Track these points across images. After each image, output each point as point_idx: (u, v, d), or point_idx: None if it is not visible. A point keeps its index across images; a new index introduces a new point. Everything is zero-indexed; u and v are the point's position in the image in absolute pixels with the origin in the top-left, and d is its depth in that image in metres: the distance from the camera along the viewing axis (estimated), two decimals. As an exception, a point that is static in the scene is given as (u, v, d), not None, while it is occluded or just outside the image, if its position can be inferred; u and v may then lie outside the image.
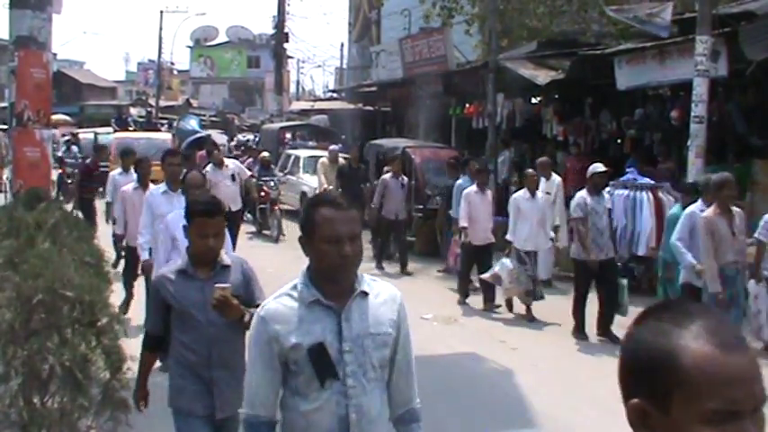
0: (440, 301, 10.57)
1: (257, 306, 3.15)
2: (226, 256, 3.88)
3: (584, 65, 13.71)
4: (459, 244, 10.77)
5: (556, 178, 11.72)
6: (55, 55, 30.42)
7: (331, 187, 14.56)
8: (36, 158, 7.13)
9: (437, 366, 6.85)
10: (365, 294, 2.71)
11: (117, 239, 9.44)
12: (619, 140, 15.53)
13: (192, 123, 23.47)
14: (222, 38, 58.68)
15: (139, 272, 8.11)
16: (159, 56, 45.94)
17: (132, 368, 4.11)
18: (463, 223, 10.27)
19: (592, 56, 13.56)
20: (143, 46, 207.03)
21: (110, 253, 7.61)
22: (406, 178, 13.19)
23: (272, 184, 16.21)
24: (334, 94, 34.75)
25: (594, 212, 8.81)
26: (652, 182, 11.23)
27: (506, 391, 6.93)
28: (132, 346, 4.33)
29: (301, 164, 19.02)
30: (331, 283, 2.65)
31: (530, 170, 10.81)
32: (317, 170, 16.02)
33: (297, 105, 37.06)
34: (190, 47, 58.68)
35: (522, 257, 9.73)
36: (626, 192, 10.90)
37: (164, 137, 21.45)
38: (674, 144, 12.98)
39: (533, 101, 17.69)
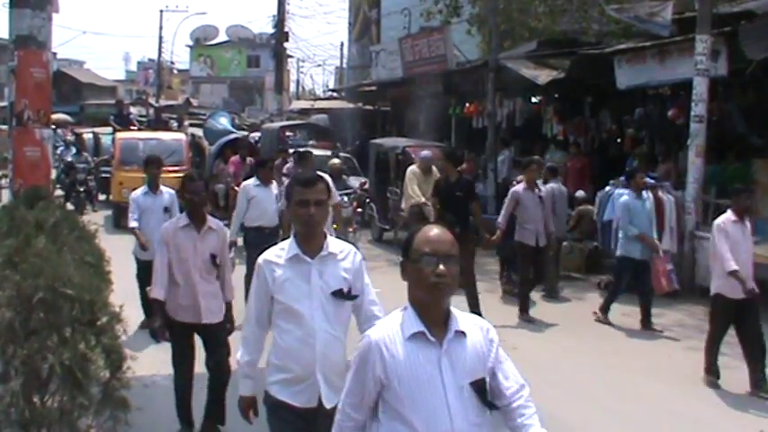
0: None
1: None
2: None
3: (584, 64, 13.71)
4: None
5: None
6: (55, 54, 30.29)
7: (422, 199, 11.96)
8: (36, 158, 7.12)
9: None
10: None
11: (151, 302, 5.88)
12: (619, 140, 15.54)
13: (224, 121, 18.51)
14: (222, 37, 58.69)
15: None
16: (159, 55, 46.01)
17: (132, 368, 4.11)
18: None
19: (592, 55, 13.56)
20: (143, 45, 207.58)
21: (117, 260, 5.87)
22: (543, 189, 10.18)
23: (345, 199, 12.59)
24: (334, 94, 34.76)
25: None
26: (652, 181, 11.24)
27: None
28: (132, 346, 4.33)
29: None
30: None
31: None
32: (405, 181, 12.82)
33: (297, 105, 37.03)
34: (190, 46, 58.65)
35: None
36: (626, 191, 10.90)
37: (176, 137, 18.13)
38: (674, 143, 12.99)
39: (533, 100, 17.70)
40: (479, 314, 6.88)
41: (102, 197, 20.09)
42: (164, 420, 5.83)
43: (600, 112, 15.78)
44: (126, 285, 6.43)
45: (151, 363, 6.07)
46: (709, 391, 6.97)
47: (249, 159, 14.93)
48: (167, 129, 19.72)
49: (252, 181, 9.37)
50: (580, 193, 12.86)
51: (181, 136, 18.17)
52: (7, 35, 7.21)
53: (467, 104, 19.16)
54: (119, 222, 15.22)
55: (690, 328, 9.25)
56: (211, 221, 5.74)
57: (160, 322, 5.55)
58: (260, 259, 3.71)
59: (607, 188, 11.36)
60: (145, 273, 7.29)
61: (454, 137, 20.24)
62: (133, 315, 7.79)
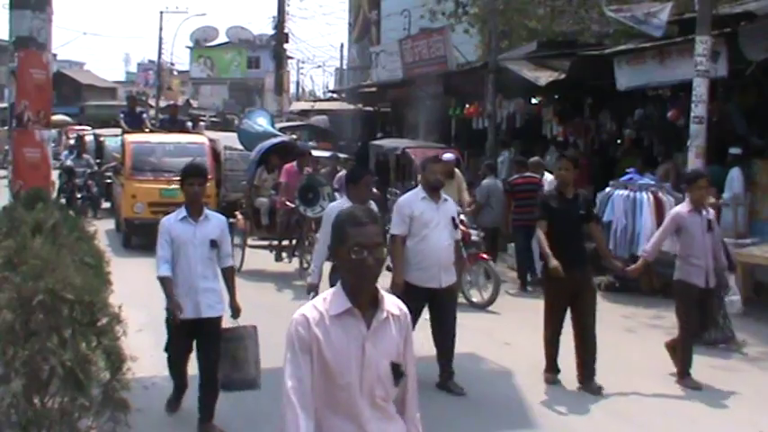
0: None
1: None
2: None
3: (584, 65, 13.71)
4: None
5: (548, 177, 11.75)
6: (55, 55, 30.32)
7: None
8: (36, 159, 7.12)
9: (437, 366, 6.85)
10: None
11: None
12: (619, 141, 15.54)
13: (262, 122, 14.88)
14: (222, 38, 58.70)
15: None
16: (159, 56, 46.00)
17: (132, 369, 4.12)
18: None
19: (592, 56, 13.56)
20: (143, 46, 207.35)
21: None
22: (712, 211, 7.48)
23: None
24: (334, 95, 34.77)
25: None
26: (652, 182, 11.25)
27: (506, 392, 6.93)
28: (132, 347, 4.33)
29: None
30: None
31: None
32: None
33: (297, 106, 37.07)
34: (190, 47, 58.66)
35: None
36: (626, 192, 10.91)
37: (197, 140, 15.69)
38: (674, 144, 12.99)
39: (533, 101, 17.70)
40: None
41: (106, 204, 18.37)
42: (164, 421, 5.83)
43: (600, 113, 15.78)
44: (125, 286, 6.41)
45: (151, 364, 6.07)
46: (710, 392, 6.96)
47: (307, 169, 12.35)
48: (184, 130, 17.09)
49: (340, 203, 6.83)
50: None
51: (202, 139, 15.81)
52: (7, 36, 7.21)
53: (467, 105, 19.18)
54: (129, 242, 14.04)
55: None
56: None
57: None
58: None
59: (607, 189, 11.35)
60: (182, 340, 5.71)
61: (454, 138, 20.25)
62: (133, 316, 7.79)
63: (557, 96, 16.77)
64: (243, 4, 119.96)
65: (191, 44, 58.61)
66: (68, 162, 18.05)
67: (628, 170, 11.70)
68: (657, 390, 6.96)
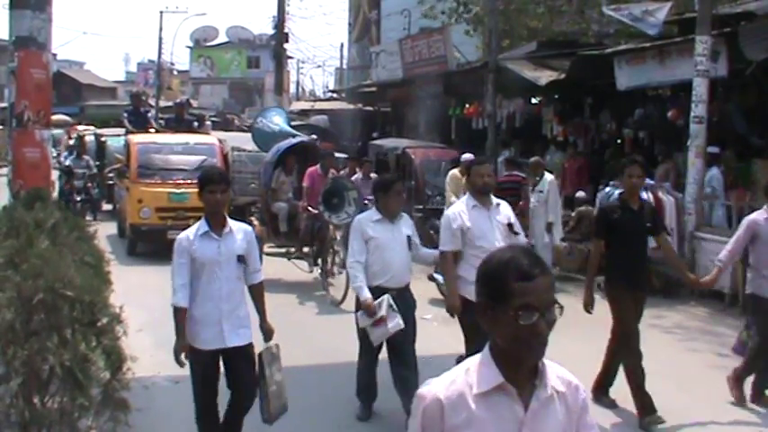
0: (440, 301, 10.54)
1: None
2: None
3: (584, 65, 13.72)
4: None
5: (548, 176, 11.76)
6: (55, 55, 30.30)
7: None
8: (36, 159, 7.12)
9: (437, 366, 6.82)
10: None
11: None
12: (619, 140, 15.55)
13: (278, 121, 13.86)
14: (222, 38, 58.76)
15: None
16: (159, 56, 45.94)
17: (132, 369, 4.12)
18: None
19: (592, 56, 13.58)
20: (143, 46, 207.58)
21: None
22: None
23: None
24: (334, 95, 34.80)
25: None
26: (652, 182, 11.25)
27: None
28: (132, 347, 4.34)
29: None
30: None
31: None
32: (448, 187, 11.60)
33: (297, 106, 37.05)
34: (190, 47, 58.70)
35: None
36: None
37: (207, 140, 14.78)
38: (674, 144, 13.00)
39: (533, 101, 17.71)
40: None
41: (107, 206, 17.91)
42: (164, 421, 5.83)
43: (600, 112, 15.79)
44: (126, 286, 6.41)
45: (151, 364, 6.07)
46: (711, 392, 6.96)
47: (333, 171, 11.42)
48: (191, 130, 15.93)
49: (370, 214, 6.08)
50: (580, 194, 12.87)
51: (212, 139, 14.85)
52: (7, 36, 7.21)
53: (467, 105, 19.19)
54: (134, 249, 13.38)
55: (691, 329, 9.24)
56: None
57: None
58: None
59: (607, 189, 11.35)
60: (208, 378, 4.86)
61: (454, 138, 20.26)
62: (133, 316, 7.80)
63: (557, 96, 16.78)
64: (243, 3, 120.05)
65: (191, 44, 58.65)
66: (68, 162, 17.22)
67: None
68: (659, 390, 6.95)
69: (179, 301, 4.72)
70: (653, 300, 10.25)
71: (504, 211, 6.18)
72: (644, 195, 10.56)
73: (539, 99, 17.53)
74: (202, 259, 4.71)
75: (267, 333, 5.05)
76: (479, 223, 5.96)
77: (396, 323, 5.69)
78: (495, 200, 6.17)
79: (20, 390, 3.64)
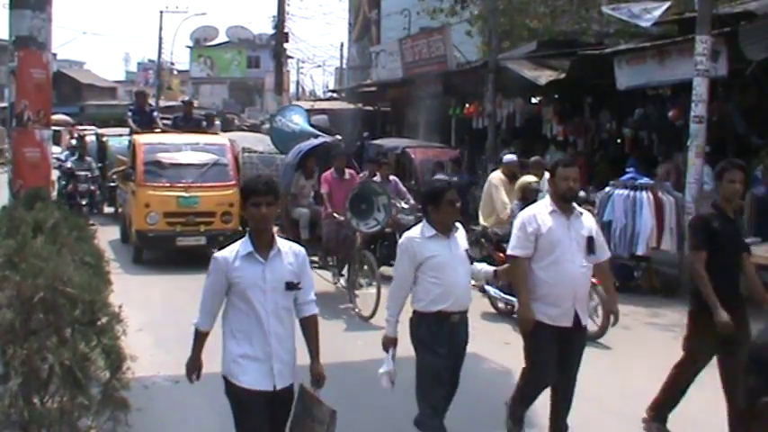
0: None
1: None
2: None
3: (584, 65, 13.73)
4: None
5: (548, 176, 11.78)
6: (55, 55, 30.27)
7: (507, 211, 9.81)
8: (36, 159, 7.13)
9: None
10: None
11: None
12: (619, 140, 15.57)
13: (298, 120, 13.03)
14: (222, 38, 58.77)
15: None
16: (159, 56, 45.99)
17: (132, 368, 4.12)
18: None
19: (592, 56, 13.58)
20: (143, 46, 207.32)
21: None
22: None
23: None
24: (334, 95, 34.79)
25: None
26: (652, 182, 11.26)
27: (506, 391, 6.92)
28: (132, 346, 4.34)
29: None
30: None
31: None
32: (488, 189, 10.76)
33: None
34: (190, 47, 58.72)
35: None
36: (626, 192, 10.92)
37: (218, 141, 13.81)
38: (674, 144, 13.01)
39: (533, 101, 17.73)
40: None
41: (109, 209, 17.34)
42: (164, 421, 5.83)
43: (600, 112, 15.80)
44: (126, 286, 6.43)
45: (151, 364, 6.08)
46: (710, 393, 6.96)
47: (350, 173, 10.72)
48: (200, 130, 14.93)
49: (420, 230, 5.04)
50: (581, 194, 12.89)
51: (223, 140, 13.93)
52: (7, 36, 7.22)
53: (467, 105, 19.21)
54: (141, 256, 12.63)
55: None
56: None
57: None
58: None
59: (607, 188, 11.36)
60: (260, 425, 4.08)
61: (454, 137, 20.27)
62: (133, 315, 7.81)
63: (557, 96, 16.79)
64: (243, 3, 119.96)
65: (191, 44, 58.67)
66: (68, 164, 16.65)
67: (627, 169, 11.71)
68: (656, 389, 6.95)
69: (201, 324, 4.12)
70: (653, 299, 10.31)
71: (588, 223, 5.38)
72: (644, 195, 10.59)
73: (539, 99, 17.54)
74: (243, 285, 3.97)
75: (318, 378, 4.21)
76: (556, 231, 5.23)
77: (386, 377, 5.01)
78: (577, 208, 5.42)
79: (19, 389, 3.64)
